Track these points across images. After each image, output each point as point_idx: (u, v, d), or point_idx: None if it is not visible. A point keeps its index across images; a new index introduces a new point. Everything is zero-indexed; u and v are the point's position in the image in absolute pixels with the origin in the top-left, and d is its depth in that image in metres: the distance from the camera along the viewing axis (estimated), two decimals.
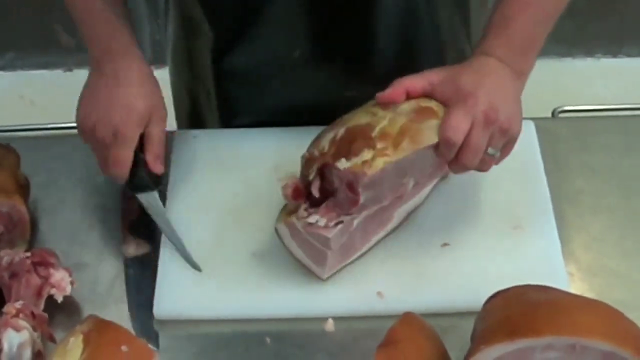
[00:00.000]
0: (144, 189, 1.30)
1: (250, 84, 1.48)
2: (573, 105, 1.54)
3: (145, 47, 2.83)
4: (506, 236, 1.32)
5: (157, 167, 1.29)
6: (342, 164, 1.18)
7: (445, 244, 1.31)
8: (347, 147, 1.19)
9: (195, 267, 1.28)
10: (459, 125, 1.17)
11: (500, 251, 1.30)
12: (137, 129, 1.26)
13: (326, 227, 1.21)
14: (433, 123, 1.19)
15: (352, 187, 1.20)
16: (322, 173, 1.22)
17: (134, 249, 1.34)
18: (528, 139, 1.43)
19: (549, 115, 1.53)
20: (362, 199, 1.21)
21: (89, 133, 1.27)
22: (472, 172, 1.29)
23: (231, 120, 1.52)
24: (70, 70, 2.92)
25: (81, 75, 3.11)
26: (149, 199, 1.31)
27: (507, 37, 1.25)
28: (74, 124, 1.55)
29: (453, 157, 1.20)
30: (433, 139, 1.19)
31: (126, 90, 1.26)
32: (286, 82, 1.47)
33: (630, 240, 1.33)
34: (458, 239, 1.32)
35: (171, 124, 1.51)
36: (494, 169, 1.32)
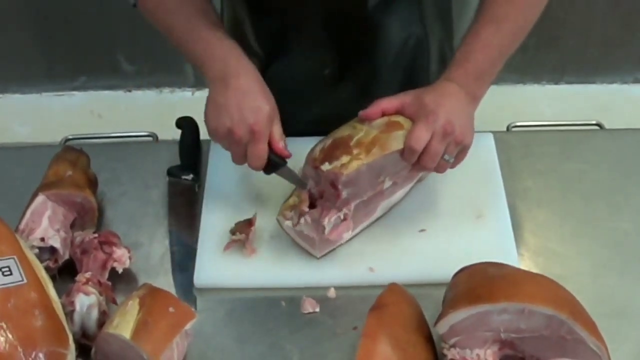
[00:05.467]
0: (279, 167, 1.26)
1: (286, 98, 1.46)
2: (523, 122, 1.54)
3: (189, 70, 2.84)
4: (470, 224, 1.31)
5: (286, 153, 1.25)
6: (326, 166, 1.20)
7: (422, 230, 1.31)
8: (331, 153, 1.21)
9: (303, 184, 1.27)
10: (421, 136, 1.18)
11: (466, 235, 1.29)
12: (268, 127, 1.22)
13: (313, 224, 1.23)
14: (400, 134, 1.20)
15: (333, 184, 1.21)
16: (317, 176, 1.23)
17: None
18: (487, 147, 1.43)
19: (504, 129, 1.52)
20: (344, 194, 1.22)
21: (225, 135, 1.21)
22: (444, 174, 1.29)
23: None
24: (129, 91, 2.92)
25: (138, 95, 3.13)
26: (282, 171, 1.27)
27: (467, 68, 1.25)
28: (133, 133, 1.57)
29: (415, 161, 1.20)
30: (398, 146, 1.20)
31: (254, 98, 1.21)
32: (318, 96, 1.46)
33: (567, 228, 1.33)
34: (432, 226, 1.31)
35: None
36: (462, 171, 1.32)
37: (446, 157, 1.21)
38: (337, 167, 1.19)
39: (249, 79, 1.23)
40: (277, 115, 1.25)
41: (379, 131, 1.21)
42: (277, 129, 1.24)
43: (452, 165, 1.25)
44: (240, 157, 1.24)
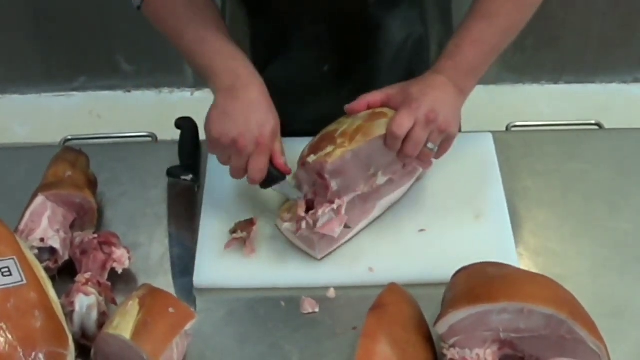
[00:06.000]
0: (277, 181, 1.26)
1: (286, 97, 1.46)
2: (523, 121, 1.54)
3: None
4: (469, 224, 1.31)
5: (288, 169, 1.25)
6: (311, 158, 1.22)
7: (422, 230, 1.31)
8: (317, 146, 1.23)
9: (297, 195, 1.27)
10: (403, 122, 1.18)
11: (465, 236, 1.29)
12: (273, 141, 1.22)
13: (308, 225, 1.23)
14: (382, 121, 1.21)
15: (320, 174, 1.22)
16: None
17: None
18: (487, 147, 1.43)
19: (504, 129, 1.53)
20: (333, 185, 1.22)
21: (229, 144, 1.20)
22: (443, 173, 1.28)
23: None
24: (129, 91, 2.92)
25: (137, 95, 3.14)
26: (281, 186, 1.27)
27: (456, 62, 1.25)
28: (132, 134, 1.57)
29: (399, 148, 1.20)
30: (380, 131, 1.20)
31: (261, 111, 1.21)
32: (316, 93, 1.46)
33: (567, 228, 1.33)
34: (432, 226, 1.31)
35: None
36: (461, 171, 1.32)
37: (430, 145, 1.21)
38: (322, 157, 1.20)
39: (257, 92, 1.23)
40: (279, 130, 1.25)
41: (363, 121, 1.23)
42: (278, 145, 1.25)
43: (437, 156, 1.25)
44: (240, 169, 1.23)
